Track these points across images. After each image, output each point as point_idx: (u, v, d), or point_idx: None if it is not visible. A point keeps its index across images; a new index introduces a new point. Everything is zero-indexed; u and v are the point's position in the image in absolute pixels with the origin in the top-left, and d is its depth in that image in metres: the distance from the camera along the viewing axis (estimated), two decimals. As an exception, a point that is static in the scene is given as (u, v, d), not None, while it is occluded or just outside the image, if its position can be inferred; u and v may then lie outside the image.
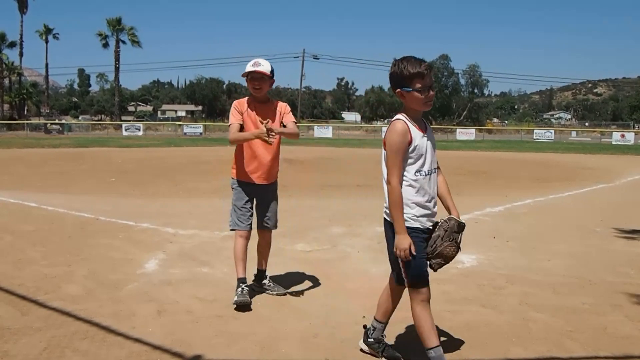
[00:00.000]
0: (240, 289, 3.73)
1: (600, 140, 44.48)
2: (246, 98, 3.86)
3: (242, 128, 3.77)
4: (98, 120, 77.64)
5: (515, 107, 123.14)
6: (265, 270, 4.12)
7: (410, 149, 2.59)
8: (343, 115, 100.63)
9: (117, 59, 60.12)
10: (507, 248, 5.53)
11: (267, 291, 4.02)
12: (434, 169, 2.71)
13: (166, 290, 4.08)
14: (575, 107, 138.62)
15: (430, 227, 2.69)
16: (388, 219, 2.70)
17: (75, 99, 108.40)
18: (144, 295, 3.93)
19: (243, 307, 3.63)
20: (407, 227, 2.60)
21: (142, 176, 12.98)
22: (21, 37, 62.23)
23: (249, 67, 3.72)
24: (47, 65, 64.41)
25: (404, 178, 2.61)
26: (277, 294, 3.98)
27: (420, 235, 2.65)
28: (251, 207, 3.86)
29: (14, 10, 72.50)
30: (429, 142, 2.66)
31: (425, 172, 2.64)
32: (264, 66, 3.73)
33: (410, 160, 2.62)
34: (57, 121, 52.56)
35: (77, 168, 14.88)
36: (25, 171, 13.84)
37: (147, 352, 2.98)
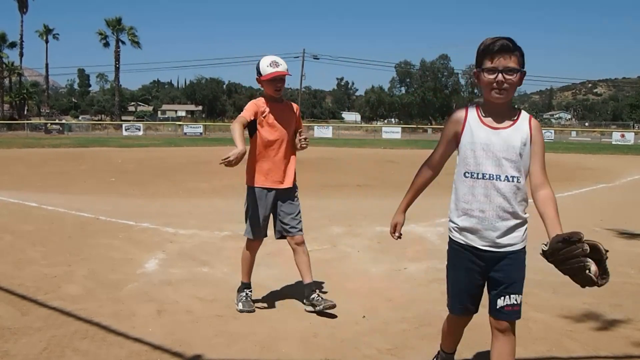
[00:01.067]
0: (244, 295, 3.69)
1: (600, 140, 44.48)
2: (262, 99, 3.62)
3: (253, 125, 3.55)
4: (98, 120, 77.66)
5: (516, 107, 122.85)
6: (311, 284, 3.67)
7: (461, 142, 2.23)
8: (343, 115, 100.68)
9: (117, 59, 60.21)
10: (507, 248, 5.52)
11: (317, 307, 3.60)
12: (504, 176, 2.17)
13: (166, 290, 4.08)
14: (575, 107, 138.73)
15: (483, 249, 2.24)
16: (452, 237, 2.31)
17: (75, 100, 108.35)
18: (144, 295, 3.94)
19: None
20: (450, 239, 2.32)
21: (142, 176, 12.98)
22: (21, 37, 62.38)
23: (272, 69, 3.49)
24: (47, 65, 64.58)
25: (455, 177, 2.28)
26: (323, 308, 3.59)
27: (465, 256, 2.25)
28: (267, 215, 3.64)
29: (14, 10, 72.56)
30: (500, 140, 2.16)
31: (474, 173, 2.19)
32: (284, 65, 3.55)
33: (458, 157, 2.26)
34: (57, 121, 52.56)
35: (77, 168, 14.88)
36: (25, 171, 13.84)
37: (147, 351, 2.98)
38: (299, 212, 3.72)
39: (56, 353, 2.93)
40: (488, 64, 2.12)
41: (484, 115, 2.21)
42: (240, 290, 3.74)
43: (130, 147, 25.90)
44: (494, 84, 2.11)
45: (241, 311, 3.61)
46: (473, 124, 2.20)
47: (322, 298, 3.62)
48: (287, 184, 3.65)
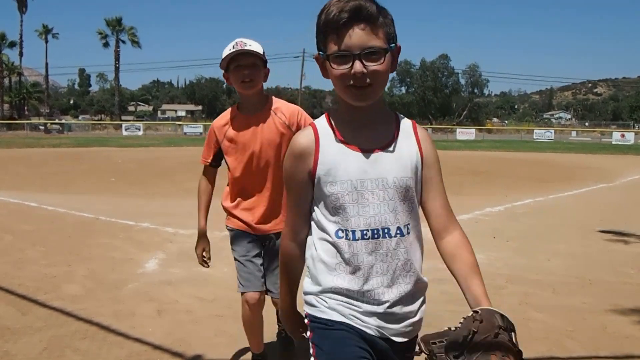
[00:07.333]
0: None
1: (600, 140, 44.47)
2: (229, 111, 2.59)
3: (220, 158, 2.61)
4: (98, 120, 77.67)
5: (515, 107, 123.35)
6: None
7: (317, 181, 1.36)
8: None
9: (117, 59, 60.29)
10: (507, 248, 5.53)
11: None
12: (397, 228, 1.36)
13: (166, 290, 4.08)
14: (575, 107, 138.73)
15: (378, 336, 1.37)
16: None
17: (73, 100, 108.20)
18: (144, 295, 3.94)
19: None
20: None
21: (142, 176, 12.98)
22: (21, 37, 62.45)
23: (230, 51, 2.39)
24: (47, 65, 64.57)
25: (318, 235, 1.41)
26: None
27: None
28: (261, 263, 2.61)
29: (14, 10, 72.55)
30: (378, 168, 1.35)
31: (353, 231, 1.34)
32: (254, 46, 2.40)
33: (321, 206, 1.38)
34: (57, 121, 52.57)
35: (77, 168, 14.88)
36: (25, 171, 13.84)
37: (147, 351, 2.98)
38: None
39: (56, 353, 2.93)
40: (333, 45, 1.29)
41: (337, 130, 1.37)
42: None
43: (130, 147, 25.89)
44: (351, 78, 1.29)
45: None
46: (328, 149, 1.36)
47: None
48: (274, 227, 2.55)
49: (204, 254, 2.67)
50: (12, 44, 62.35)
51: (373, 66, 1.28)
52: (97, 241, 5.62)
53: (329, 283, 1.39)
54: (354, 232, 1.34)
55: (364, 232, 1.34)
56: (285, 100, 2.64)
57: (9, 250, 5.20)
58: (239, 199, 2.61)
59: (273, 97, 2.58)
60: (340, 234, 1.36)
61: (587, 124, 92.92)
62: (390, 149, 1.38)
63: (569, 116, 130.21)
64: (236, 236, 2.63)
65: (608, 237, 6.21)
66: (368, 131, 1.38)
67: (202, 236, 2.66)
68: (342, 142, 1.36)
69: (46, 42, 64.17)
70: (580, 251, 5.53)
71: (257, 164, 2.51)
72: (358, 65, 1.27)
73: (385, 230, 1.35)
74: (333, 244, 1.37)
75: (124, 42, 60.25)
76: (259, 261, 2.61)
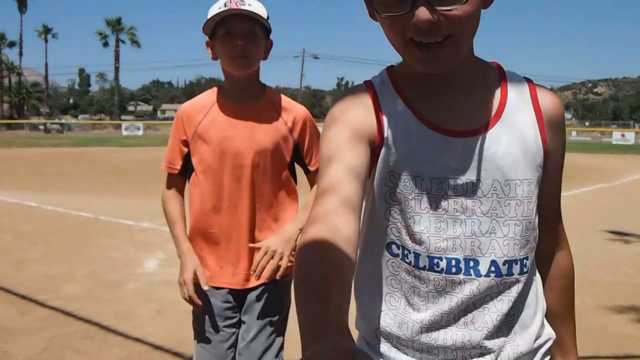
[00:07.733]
0: None
1: (600, 140, 44.47)
2: (209, 94, 1.76)
3: (189, 163, 1.74)
4: (98, 120, 77.71)
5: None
6: None
7: (380, 168, 0.85)
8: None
9: (116, 59, 60.38)
10: (507, 248, 5.53)
11: None
12: (491, 262, 0.83)
13: (166, 290, 4.08)
14: (575, 107, 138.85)
15: None
16: None
17: (73, 99, 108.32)
18: (144, 295, 3.94)
19: None
20: None
21: (142, 176, 12.97)
22: (21, 37, 62.65)
23: (219, 10, 1.58)
24: (46, 64, 64.65)
25: (365, 248, 0.92)
26: None
27: None
28: (231, 335, 1.80)
29: (14, 10, 72.63)
30: (470, 162, 0.82)
31: (416, 255, 0.84)
32: (254, 5, 1.62)
33: (371, 201, 0.89)
34: (57, 121, 52.61)
35: (77, 168, 14.88)
36: (25, 171, 13.84)
37: (147, 352, 2.98)
38: (274, 339, 1.75)
39: (56, 353, 2.92)
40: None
41: (404, 95, 0.86)
42: None
43: (130, 147, 25.90)
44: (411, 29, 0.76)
45: None
46: (394, 119, 0.85)
47: None
48: (260, 277, 1.68)
49: (198, 274, 1.77)
50: (12, 44, 62.52)
51: (450, 10, 0.73)
52: (97, 241, 5.62)
53: (373, 318, 0.89)
54: (417, 256, 0.83)
55: (434, 260, 0.83)
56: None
57: (9, 250, 5.20)
58: (206, 236, 1.80)
59: (271, 88, 1.78)
60: (396, 250, 0.86)
61: (587, 123, 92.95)
62: (493, 131, 0.83)
63: (569, 116, 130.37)
64: (201, 294, 1.81)
65: (608, 237, 6.21)
66: (454, 101, 0.84)
67: (191, 254, 1.81)
68: (414, 115, 0.83)
69: (46, 42, 64.33)
70: (580, 251, 5.52)
71: (235, 175, 1.65)
72: (422, 11, 0.72)
73: (471, 264, 0.83)
74: (383, 263, 0.88)
75: (123, 42, 60.49)
76: (230, 354, 1.76)
